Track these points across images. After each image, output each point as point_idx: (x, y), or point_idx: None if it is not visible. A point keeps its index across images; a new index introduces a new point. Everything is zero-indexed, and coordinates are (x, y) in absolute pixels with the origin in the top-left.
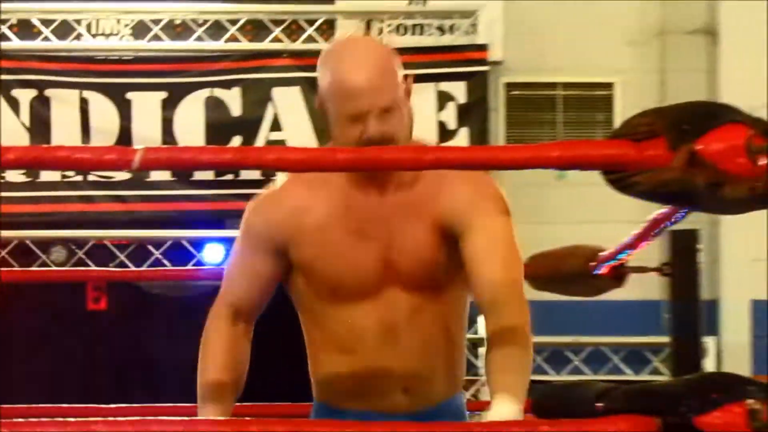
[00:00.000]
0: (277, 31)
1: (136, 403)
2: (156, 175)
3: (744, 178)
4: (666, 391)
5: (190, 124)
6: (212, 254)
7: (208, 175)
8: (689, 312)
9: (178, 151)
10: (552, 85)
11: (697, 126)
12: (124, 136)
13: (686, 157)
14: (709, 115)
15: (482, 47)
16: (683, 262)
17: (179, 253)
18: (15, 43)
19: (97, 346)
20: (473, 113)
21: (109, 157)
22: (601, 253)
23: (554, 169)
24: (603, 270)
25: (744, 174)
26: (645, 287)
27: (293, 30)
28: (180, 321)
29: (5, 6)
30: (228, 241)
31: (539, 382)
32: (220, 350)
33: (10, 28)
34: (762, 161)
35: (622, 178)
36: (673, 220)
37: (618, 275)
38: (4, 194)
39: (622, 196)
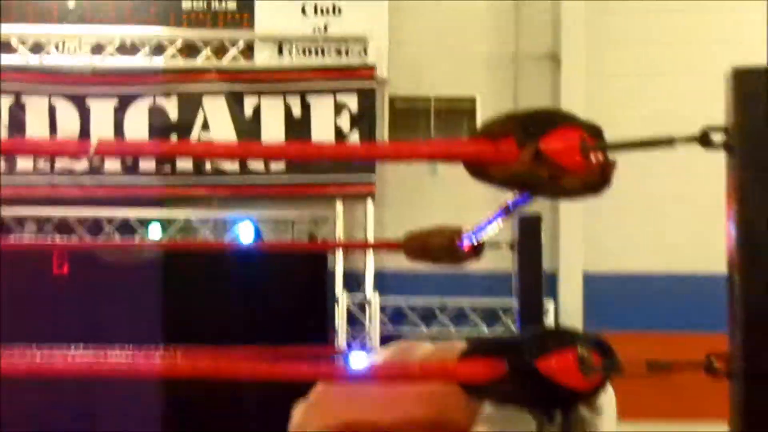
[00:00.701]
0: (206, 51)
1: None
2: (109, 166)
3: (579, 172)
4: (513, 341)
5: (137, 126)
6: (154, 231)
7: (149, 165)
8: (533, 280)
9: (125, 144)
10: (426, 99)
11: (541, 128)
12: (84, 136)
13: (532, 154)
14: (550, 119)
15: (371, 67)
16: (529, 239)
17: (127, 227)
18: None
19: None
20: (363, 120)
21: (71, 147)
22: (463, 232)
23: (426, 161)
24: (465, 245)
25: (579, 169)
26: (498, 260)
27: (219, 50)
28: (127, 284)
29: None
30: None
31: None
32: None
33: None
34: (593, 158)
35: (481, 170)
36: (520, 205)
37: (476, 250)
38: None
39: (481, 185)
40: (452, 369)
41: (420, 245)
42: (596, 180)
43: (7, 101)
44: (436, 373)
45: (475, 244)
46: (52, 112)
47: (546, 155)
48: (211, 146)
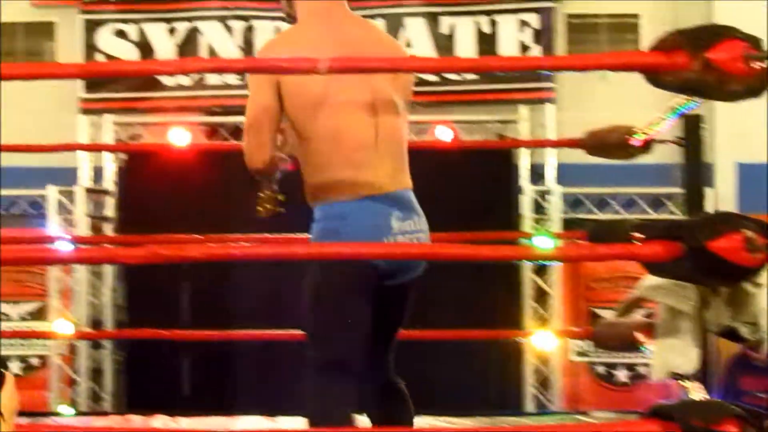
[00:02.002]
0: None
1: None
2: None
3: (742, 77)
4: (686, 224)
5: None
6: None
7: None
8: (696, 170)
9: (357, 60)
10: (597, 16)
11: (708, 40)
12: None
13: (701, 63)
14: (716, 33)
15: None
16: (692, 135)
17: None
18: None
19: None
20: (543, 35)
21: (303, 65)
22: (634, 130)
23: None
24: (636, 141)
25: (742, 75)
26: (664, 154)
27: None
28: None
29: None
30: None
31: (590, 220)
32: None
33: None
34: (754, 65)
35: (656, 78)
36: (691, 108)
37: (646, 145)
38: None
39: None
40: (636, 250)
41: (598, 142)
42: (757, 84)
43: (239, 25)
44: (622, 254)
45: (646, 140)
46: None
47: (714, 64)
48: (417, 60)
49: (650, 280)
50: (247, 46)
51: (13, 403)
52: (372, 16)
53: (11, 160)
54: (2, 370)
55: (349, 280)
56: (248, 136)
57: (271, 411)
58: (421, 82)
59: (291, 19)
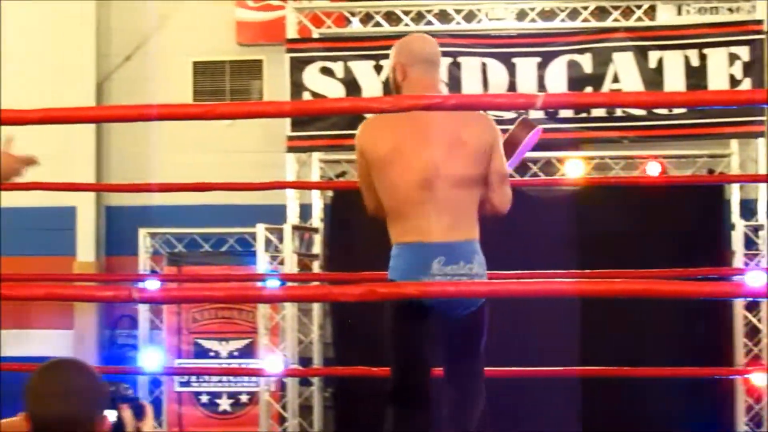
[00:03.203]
0: (615, 14)
1: None
2: (533, 114)
3: None
4: None
5: (557, 80)
6: (572, 168)
7: (568, 112)
8: None
9: (568, 96)
10: None
11: None
12: (511, 89)
13: None
14: None
15: (759, 21)
16: None
17: (549, 166)
18: (436, 26)
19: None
20: (753, 68)
21: (520, 101)
22: None
23: None
24: None
25: None
26: None
27: (626, 12)
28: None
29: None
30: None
31: None
32: None
33: (434, 15)
34: None
35: None
36: None
37: None
38: None
39: None
40: None
41: None
42: None
43: (445, 61)
44: None
45: None
46: (483, 69)
47: None
48: (625, 95)
49: None
50: (453, 82)
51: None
52: (580, 51)
53: (221, 198)
54: (142, 401)
55: (400, 314)
56: (362, 193)
57: None
58: (629, 118)
59: None
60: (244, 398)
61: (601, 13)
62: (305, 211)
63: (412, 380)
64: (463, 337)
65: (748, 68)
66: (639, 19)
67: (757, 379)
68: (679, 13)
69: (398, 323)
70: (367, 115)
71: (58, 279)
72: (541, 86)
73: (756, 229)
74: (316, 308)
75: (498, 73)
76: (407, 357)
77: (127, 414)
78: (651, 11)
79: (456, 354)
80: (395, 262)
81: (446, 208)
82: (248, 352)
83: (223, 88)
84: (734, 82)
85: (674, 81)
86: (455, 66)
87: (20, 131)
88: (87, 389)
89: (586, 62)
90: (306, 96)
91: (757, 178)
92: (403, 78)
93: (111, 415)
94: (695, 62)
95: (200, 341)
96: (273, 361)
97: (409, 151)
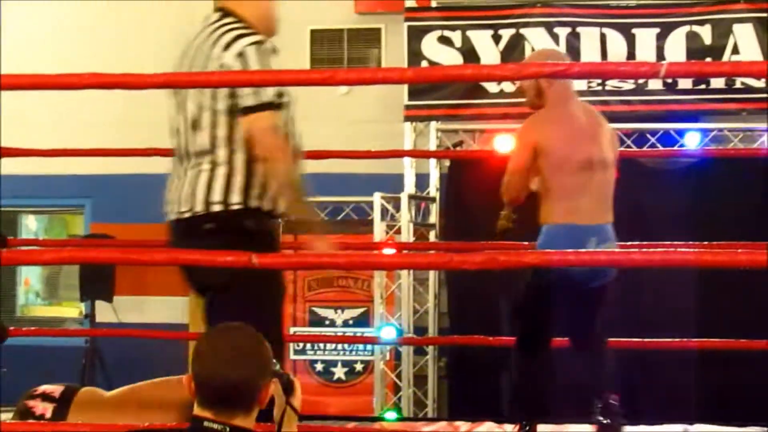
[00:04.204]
0: None
1: None
2: (651, 85)
3: None
4: None
5: (676, 50)
6: (691, 140)
7: (687, 84)
8: None
9: (691, 65)
10: None
11: None
12: (630, 59)
13: None
14: None
15: None
16: None
17: (668, 138)
18: None
19: None
20: None
21: (644, 69)
22: None
23: None
24: None
25: None
26: None
27: None
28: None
29: None
30: (703, 132)
31: None
32: None
33: None
34: None
35: None
36: None
37: None
38: None
39: None
40: None
41: None
42: None
43: (564, 31)
44: None
45: None
46: (602, 39)
47: None
48: (749, 65)
49: None
50: (572, 52)
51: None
52: (700, 23)
53: (338, 167)
54: (291, 377)
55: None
56: (512, 177)
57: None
58: (748, 90)
59: (535, 107)
60: (358, 367)
61: None
62: (422, 180)
63: (542, 335)
64: (595, 305)
65: None
66: None
67: None
68: None
69: (543, 290)
70: (485, 85)
71: None
72: (660, 57)
73: None
74: (432, 277)
75: (617, 43)
76: (540, 315)
77: (277, 388)
78: None
79: (588, 320)
80: (551, 240)
81: (601, 194)
82: (363, 320)
83: (341, 57)
84: None
85: None
86: (574, 36)
87: (139, 94)
88: (254, 355)
89: (706, 34)
90: (424, 65)
91: None
92: (549, 85)
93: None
94: None
95: (316, 309)
96: (388, 329)
97: (576, 141)
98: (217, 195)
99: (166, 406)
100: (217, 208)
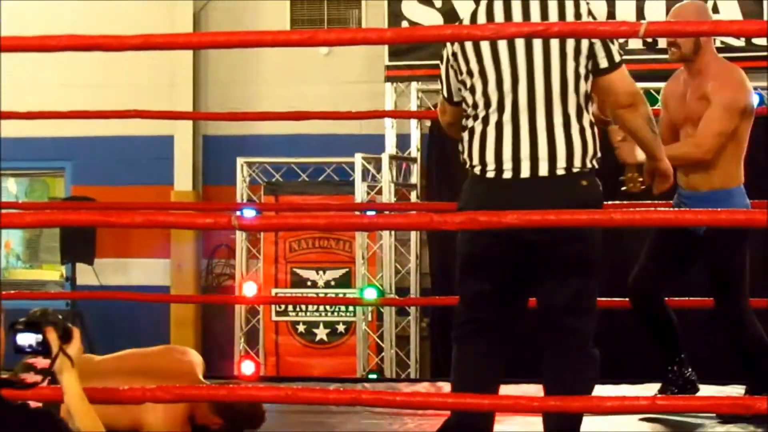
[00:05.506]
0: None
1: None
2: (632, 44)
3: None
4: None
5: (656, 9)
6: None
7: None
8: None
9: (668, 24)
10: None
11: None
12: (611, 19)
13: None
14: None
15: None
16: None
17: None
18: None
19: None
20: None
21: (623, 29)
22: None
23: None
24: None
25: None
26: None
27: None
28: None
29: None
30: None
31: None
32: None
33: None
34: None
35: None
36: None
37: None
38: None
39: None
40: None
41: None
42: None
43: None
44: None
45: None
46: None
47: None
48: (724, 23)
49: None
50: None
51: (80, 354)
52: None
53: (319, 128)
54: (70, 325)
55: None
56: (718, 140)
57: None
58: (727, 48)
59: (688, 60)
60: (341, 328)
61: None
62: (403, 141)
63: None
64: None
65: None
66: None
67: None
68: None
69: None
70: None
71: (157, 207)
72: (640, 17)
73: None
74: (414, 238)
75: (597, 3)
76: None
77: (53, 336)
78: None
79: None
80: (741, 200)
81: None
82: (345, 281)
83: (321, 18)
84: None
85: None
86: None
87: (119, 58)
88: None
89: None
90: (404, 25)
91: None
92: (708, 39)
93: (31, 337)
94: None
95: (297, 270)
96: (370, 290)
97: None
98: (591, 152)
99: (153, 376)
100: (590, 165)
